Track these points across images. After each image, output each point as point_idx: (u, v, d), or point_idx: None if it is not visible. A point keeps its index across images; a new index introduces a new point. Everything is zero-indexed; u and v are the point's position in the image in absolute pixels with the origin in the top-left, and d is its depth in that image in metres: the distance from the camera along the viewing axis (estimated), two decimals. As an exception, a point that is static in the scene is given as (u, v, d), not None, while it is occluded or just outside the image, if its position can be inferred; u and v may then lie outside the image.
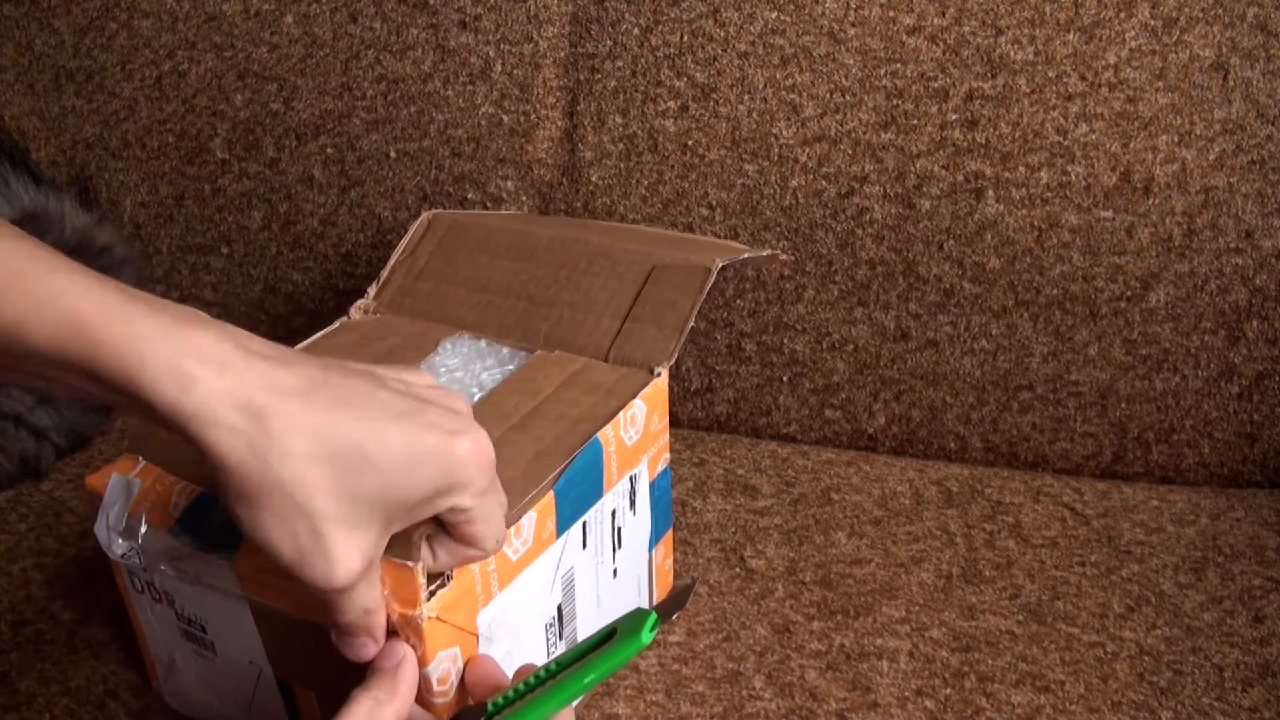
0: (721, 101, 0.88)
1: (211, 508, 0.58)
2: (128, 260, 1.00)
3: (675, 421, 0.96)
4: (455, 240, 0.82)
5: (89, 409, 0.92)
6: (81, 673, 0.71)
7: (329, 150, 0.97)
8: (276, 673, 0.61)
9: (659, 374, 0.69)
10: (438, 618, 0.52)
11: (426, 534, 0.51)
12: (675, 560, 0.79)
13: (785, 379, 0.94)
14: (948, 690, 0.69)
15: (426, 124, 0.95)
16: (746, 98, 0.88)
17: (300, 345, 0.75)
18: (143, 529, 0.59)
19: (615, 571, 0.69)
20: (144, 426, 0.60)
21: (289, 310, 1.03)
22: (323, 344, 0.75)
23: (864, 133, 0.87)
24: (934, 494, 0.88)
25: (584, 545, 0.64)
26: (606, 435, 0.64)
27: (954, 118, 0.85)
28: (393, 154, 0.96)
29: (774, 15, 0.86)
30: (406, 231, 0.83)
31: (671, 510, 0.75)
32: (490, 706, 0.52)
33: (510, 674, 0.56)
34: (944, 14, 0.84)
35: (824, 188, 0.88)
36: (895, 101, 0.86)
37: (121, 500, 0.59)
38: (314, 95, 0.96)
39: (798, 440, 0.96)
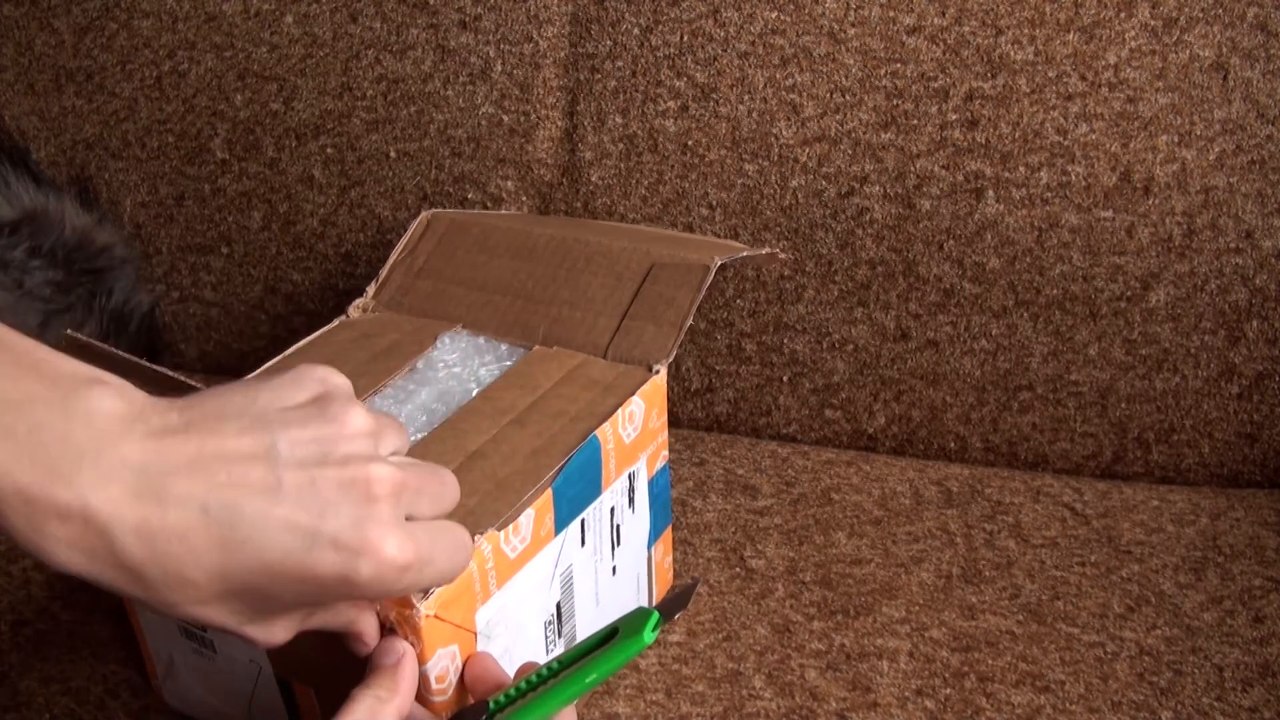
0: (721, 101, 0.88)
1: None
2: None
3: (675, 421, 0.96)
4: (454, 239, 0.82)
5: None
6: (81, 672, 0.71)
7: (329, 150, 0.97)
8: (276, 671, 0.61)
9: (658, 371, 0.69)
10: (436, 615, 0.52)
11: None
12: (675, 560, 0.79)
13: (785, 379, 0.94)
14: (948, 690, 0.69)
15: (426, 124, 0.95)
16: (746, 98, 0.88)
17: (300, 344, 0.75)
18: None
19: (614, 569, 0.69)
20: None
21: (289, 310, 1.03)
22: (321, 342, 0.75)
23: (864, 133, 0.87)
24: (934, 494, 0.87)
25: (583, 543, 0.64)
26: (605, 432, 0.64)
27: (954, 118, 0.85)
28: (393, 154, 0.96)
29: (774, 15, 0.86)
30: (406, 231, 0.83)
31: (670, 508, 0.75)
32: (491, 705, 0.52)
33: (509, 672, 0.56)
34: (944, 14, 0.84)
35: (824, 188, 0.88)
36: (895, 101, 0.86)
37: None
38: (314, 95, 0.96)
39: (798, 440, 0.96)
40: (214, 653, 0.62)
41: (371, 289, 0.80)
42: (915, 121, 0.86)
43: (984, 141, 0.85)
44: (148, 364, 0.56)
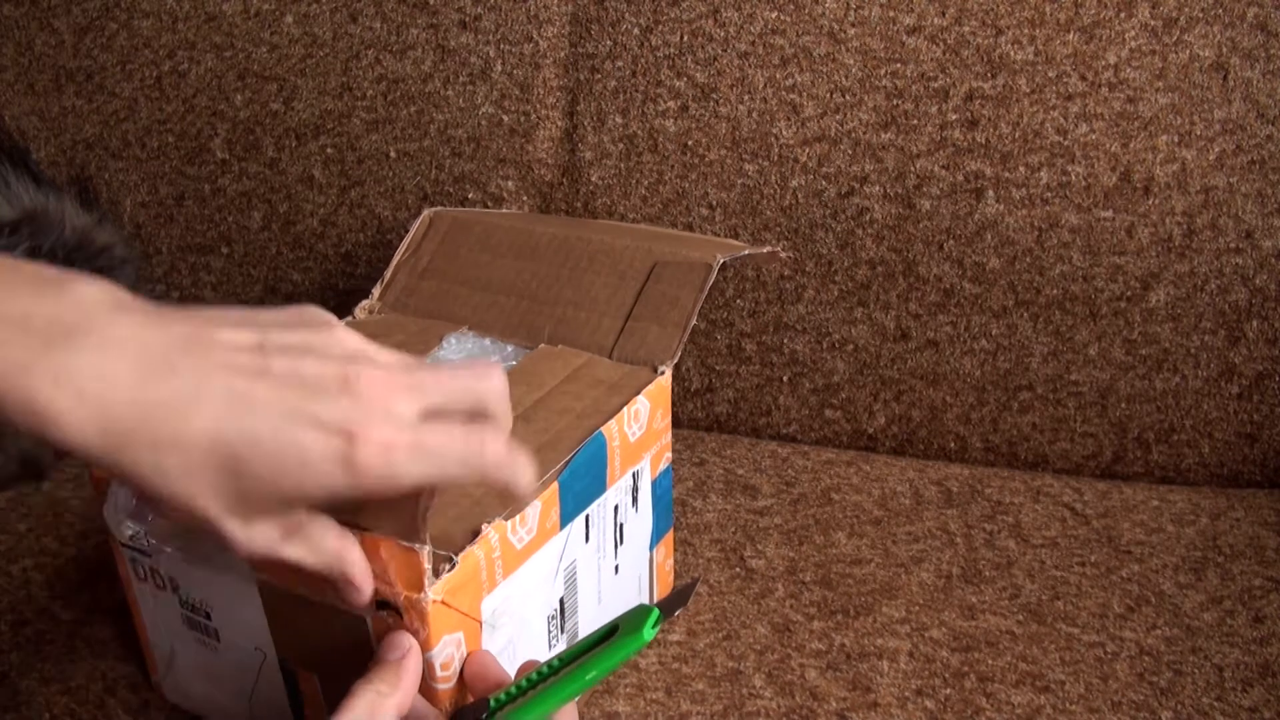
0: (721, 101, 0.88)
1: None
2: (128, 260, 1.00)
3: (675, 421, 0.96)
4: (457, 238, 0.82)
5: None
6: (81, 671, 0.71)
7: (329, 150, 0.97)
8: (281, 658, 0.61)
9: (663, 372, 0.70)
10: (443, 601, 0.53)
11: (427, 508, 0.50)
12: (675, 560, 0.79)
13: (785, 379, 0.94)
14: (948, 690, 0.69)
15: (426, 124, 0.95)
16: (746, 98, 0.88)
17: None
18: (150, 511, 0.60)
19: (617, 568, 0.69)
20: None
21: (289, 310, 1.03)
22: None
23: (864, 133, 0.87)
24: (934, 494, 0.88)
25: (587, 539, 0.64)
26: (610, 430, 0.64)
27: (954, 118, 0.85)
28: (393, 154, 0.96)
29: (774, 15, 0.86)
30: (408, 231, 0.83)
31: (672, 511, 0.75)
32: (492, 703, 0.52)
33: (510, 668, 0.56)
34: (944, 14, 0.84)
35: (824, 188, 0.88)
36: (895, 101, 0.86)
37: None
38: (314, 95, 0.96)
39: (798, 440, 0.96)
40: (217, 641, 0.63)
41: (376, 290, 0.81)
42: (915, 121, 0.86)
43: (984, 141, 0.85)
44: None
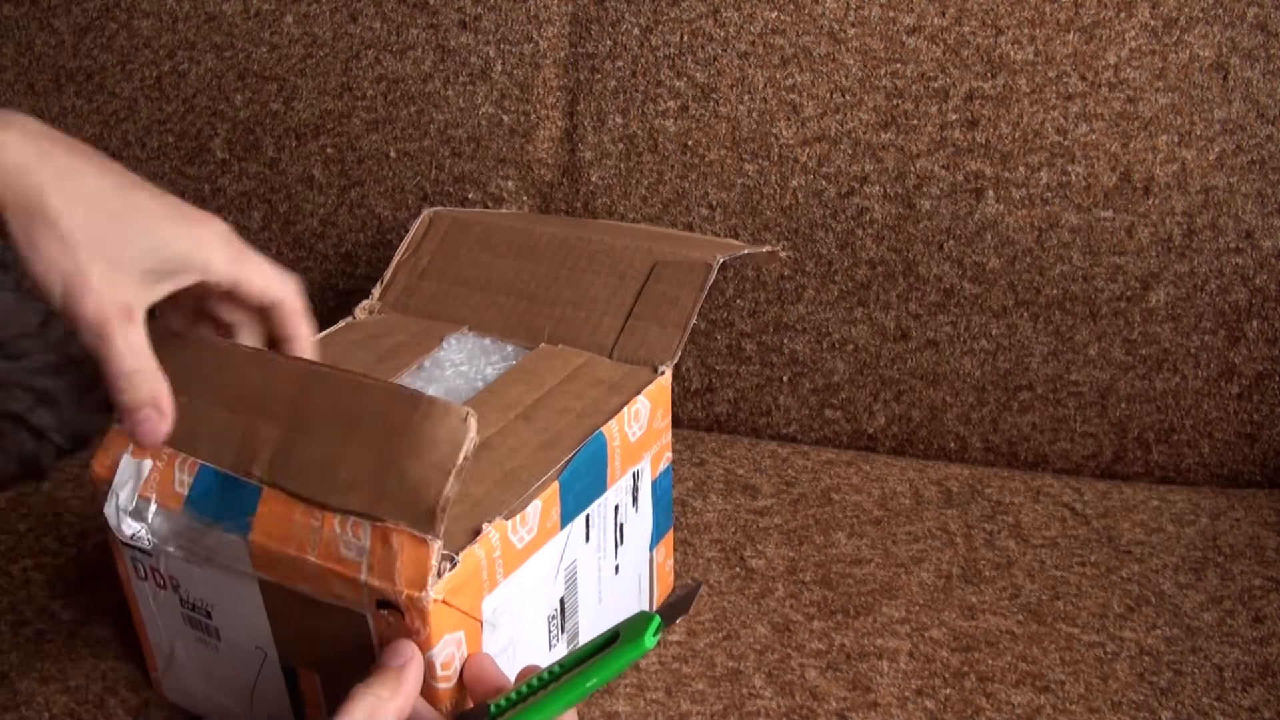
0: (721, 101, 0.88)
1: (217, 484, 0.58)
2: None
3: (675, 421, 0.96)
4: (457, 238, 0.82)
5: (90, 409, 0.92)
6: (81, 671, 0.71)
7: (329, 150, 0.97)
8: (282, 657, 0.61)
9: (663, 372, 0.70)
10: (444, 601, 0.53)
11: (447, 499, 0.51)
12: (675, 560, 0.79)
13: (785, 379, 0.94)
14: (948, 690, 0.69)
15: (426, 124, 0.95)
16: (746, 98, 0.88)
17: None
18: (152, 509, 0.59)
19: (617, 568, 0.69)
20: None
21: (289, 310, 1.03)
22: (327, 342, 0.75)
23: (864, 133, 0.87)
24: (934, 494, 0.88)
25: (587, 539, 0.64)
26: (611, 429, 0.64)
27: (954, 118, 0.85)
28: (393, 154, 0.96)
29: (774, 15, 0.86)
30: (408, 231, 0.83)
31: (672, 511, 0.75)
32: (493, 709, 0.52)
33: (510, 668, 0.56)
34: (944, 14, 0.84)
35: (824, 188, 0.88)
36: (895, 101, 0.86)
37: (132, 482, 0.60)
38: (314, 95, 0.96)
39: (798, 440, 0.96)
40: (218, 640, 0.63)
41: (377, 290, 0.81)
42: (915, 121, 0.86)
43: (984, 141, 0.85)
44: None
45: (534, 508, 0.58)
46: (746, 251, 0.78)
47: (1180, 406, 0.88)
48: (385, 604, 0.53)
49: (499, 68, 0.92)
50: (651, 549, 0.73)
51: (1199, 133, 0.82)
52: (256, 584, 0.58)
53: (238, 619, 0.61)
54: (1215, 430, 0.89)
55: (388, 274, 0.81)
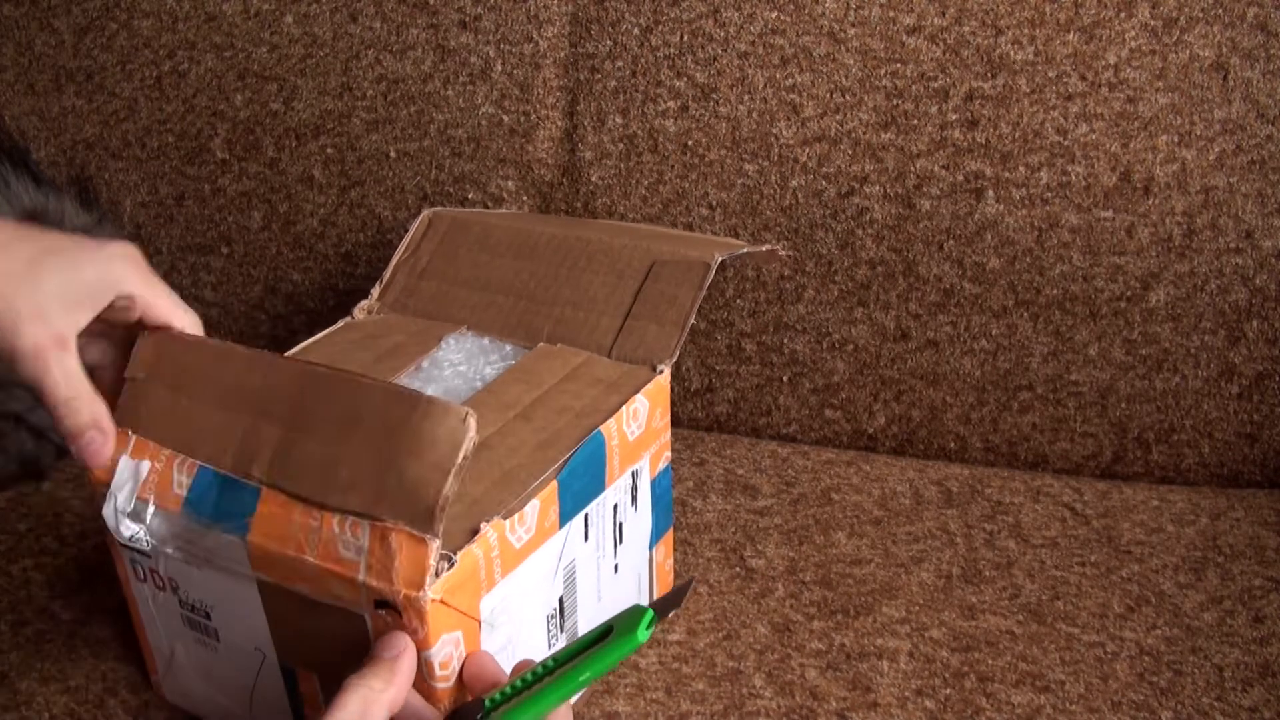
0: (721, 101, 0.88)
1: (215, 485, 0.58)
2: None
3: (675, 421, 0.96)
4: (456, 239, 0.82)
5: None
6: (81, 671, 0.71)
7: (329, 150, 0.97)
8: (281, 658, 0.61)
9: (661, 371, 0.70)
10: (441, 600, 0.53)
11: (446, 499, 0.52)
12: (675, 560, 0.79)
13: (785, 379, 0.94)
14: (948, 690, 0.69)
15: (426, 124, 0.95)
16: (746, 98, 0.88)
17: (304, 344, 0.75)
18: (151, 511, 0.59)
19: (616, 567, 0.69)
20: (132, 399, 0.61)
21: (289, 310, 1.03)
22: (326, 342, 0.75)
23: (864, 133, 0.87)
24: (934, 494, 0.88)
25: (586, 538, 0.64)
26: (609, 429, 0.64)
27: (954, 118, 0.85)
28: (393, 154, 0.96)
29: (774, 15, 0.86)
30: (407, 231, 0.83)
31: (672, 510, 0.75)
32: (488, 703, 0.52)
33: (508, 669, 0.56)
34: (944, 14, 0.84)
35: (824, 188, 0.88)
36: (895, 101, 0.86)
37: (131, 483, 0.60)
38: (314, 95, 0.96)
39: (798, 440, 0.96)
40: (217, 641, 0.63)
41: (376, 291, 0.81)
42: (915, 121, 0.86)
43: (984, 141, 0.85)
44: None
45: (532, 507, 0.58)
46: (745, 250, 0.78)
47: (1180, 406, 0.88)
48: (383, 604, 0.53)
49: (499, 68, 0.92)
50: (651, 548, 0.73)
51: (1199, 133, 0.82)
52: (255, 585, 0.58)
53: (237, 620, 0.61)
54: (1215, 430, 0.89)
55: (386, 274, 0.81)
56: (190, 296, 1.05)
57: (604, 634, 0.53)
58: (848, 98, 0.86)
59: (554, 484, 0.60)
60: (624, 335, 0.72)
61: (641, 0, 0.89)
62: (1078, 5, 0.82)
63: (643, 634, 0.52)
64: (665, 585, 0.77)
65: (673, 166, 0.90)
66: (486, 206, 0.96)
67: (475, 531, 0.55)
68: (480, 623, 0.56)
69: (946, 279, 0.88)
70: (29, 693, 0.70)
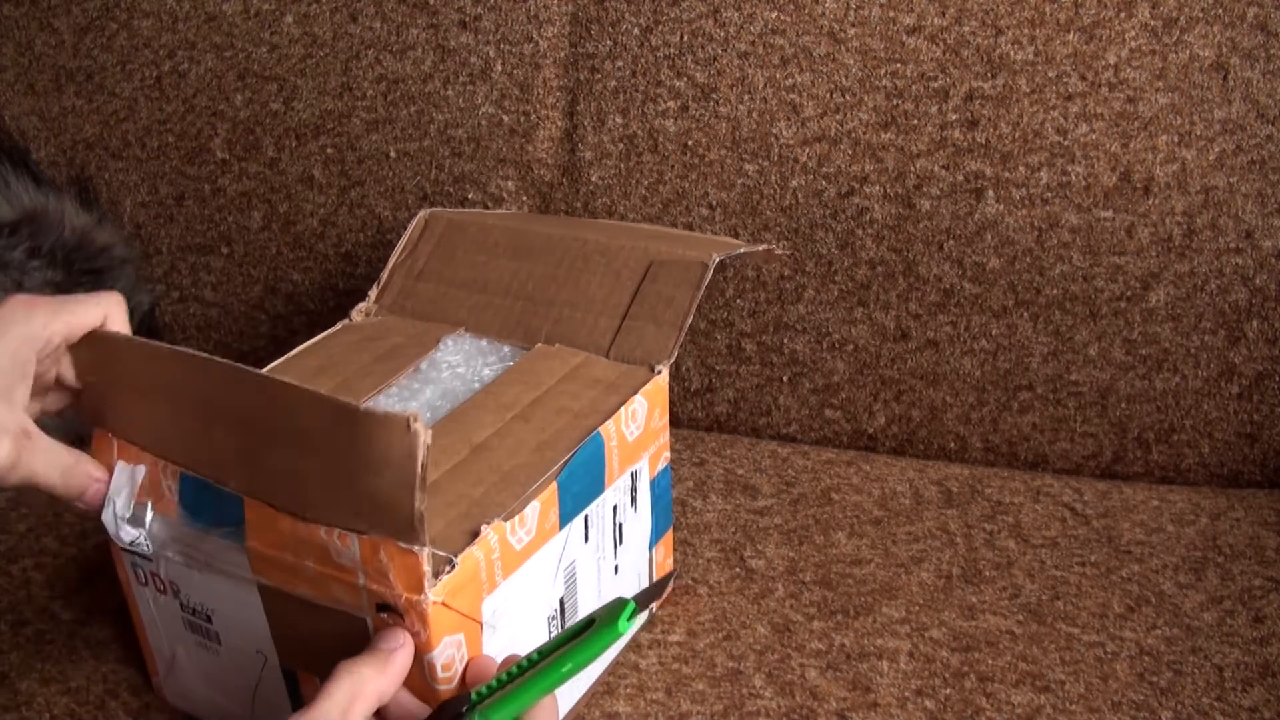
0: (721, 101, 0.88)
1: (202, 491, 0.58)
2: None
3: (675, 421, 0.96)
4: (453, 239, 0.82)
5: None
6: (81, 672, 0.71)
7: (329, 150, 0.97)
8: (282, 661, 0.61)
9: (660, 371, 0.70)
10: (443, 603, 0.53)
11: (421, 511, 0.50)
12: (675, 560, 0.79)
13: (785, 379, 0.94)
14: (948, 690, 0.69)
15: (426, 124, 0.95)
16: (746, 98, 0.88)
17: (302, 346, 0.75)
18: (149, 515, 0.59)
19: (616, 568, 0.69)
20: (94, 401, 0.61)
21: (289, 310, 1.03)
22: (324, 344, 0.75)
23: (864, 133, 0.87)
24: (934, 494, 0.87)
25: (586, 539, 0.64)
26: (608, 430, 0.64)
27: (954, 118, 0.85)
28: (393, 154, 0.96)
29: (774, 15, 0.86)
30: (404, 232, 0.83)
31: (671, 511, 0.75)
32: (474, 696, 0.52)
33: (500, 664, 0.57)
34: (944, 14, 0.84)
35: (824, 188, 0.88)
36: (895, 101, 0.86)
37: (128, 488, 0.60)
38: (314, 95, 0.96)
39: (798, 440, 0.96)
40: (219, 644, 0.63)
41: (373, 293, 0.81)
42: (915, 121, 0.86)
43: (984, 141, 0.85)
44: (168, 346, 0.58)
45: (532, 509, 0.58)
46: (743, 250, 0.78)
47: (1180, 406, 0.88)
48: (385, 607, 0.53)
49: (499, 68, 0.92)
50: (651, 548, 0.73)
51: (1199, 133, 0.82)
52: (256, 589, 0.58)
53: (238, 623, 0.61)
54: (1215, 430, 0.89)
55: (384, 276, 0.81)
56: (190, 296, 1.05)
57: (586, 626, 0.53)
58: (848, 98, 0.86)
59: (554, 486, 0.60)
60: (622, 335, 0.72)
61: (641, 0, 0.88)
62: (1078, 5, 0.82)
63: (624, 625, 0.52)
64: (665, 585, 0.77)
65: (673, 166, 0.90)
66: (486, 206, 0.96)
67: (476, 534, 0.55)
68: (482, 624, 0.56)
69: (946, 279, 0.88)
70: (29, 693, 0.70)
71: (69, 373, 0.60)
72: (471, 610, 0.55)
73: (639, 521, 0.70)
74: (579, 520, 0.63)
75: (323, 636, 0.56)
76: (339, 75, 0.95)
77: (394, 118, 0.95)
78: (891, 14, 0.84)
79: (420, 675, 0.54)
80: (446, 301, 0.78)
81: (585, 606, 0.66)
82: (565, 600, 0.64)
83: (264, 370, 0.72)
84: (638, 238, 0.79)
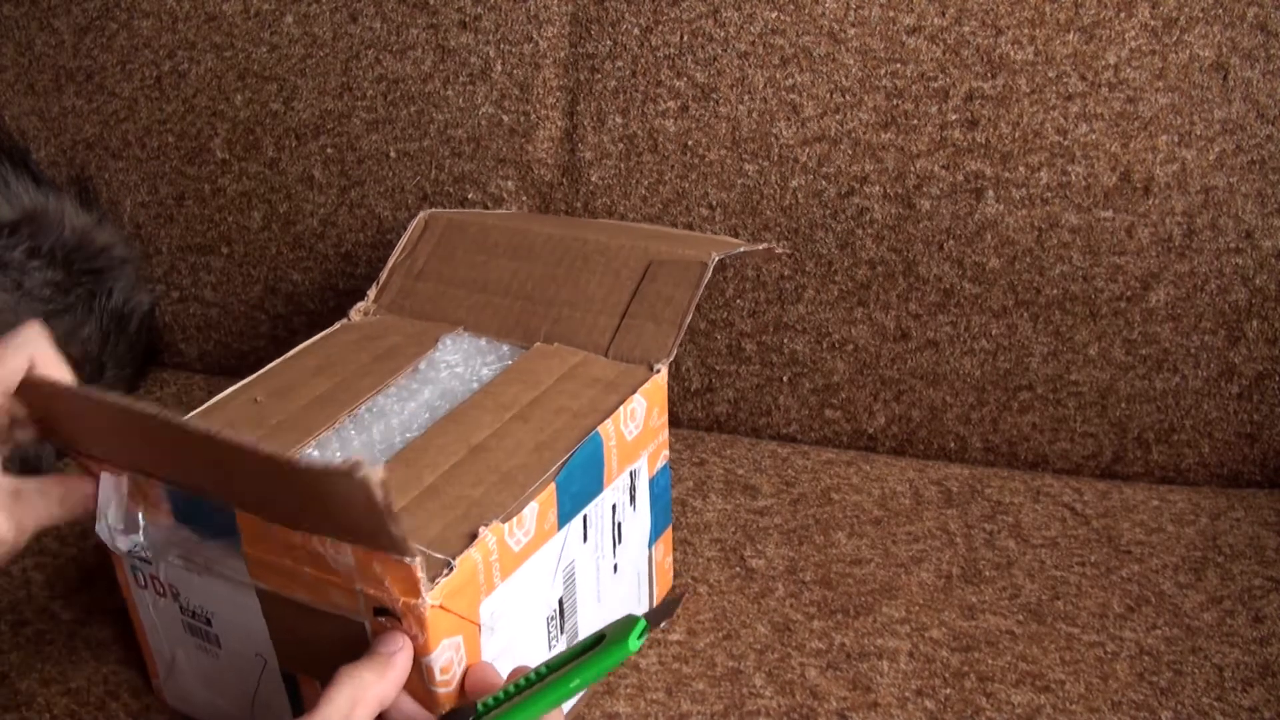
0: (721, 101, 0.88)
1: (192, 498, 0.58)
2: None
3: (675, 421, 0.96)
4: (452, 239, 0.82)
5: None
6: (82, 673, 0.71)
7: (329, 150, 0.97)
8: (282, 664, 0.61)
9: (659, 370, 0.70)
10: (441, 606, 0.53)
11: (396, 527, 0.50)
12: (675, 560, 0.79)
13: (785, 379, 0.94)
14: (948, 690, 0.69)
15: (426, 124, 0.95)
16: (746, 98, 0.88)
17: (301, 346, 0.75)
18: (142, 523, 0.59)
19: (615, 567, 0.69)
20: (55, 433, 0.59)
21: (289, 310, 1.03)
22: (323, 343, 0.75)
23: (864, 133, 0.87)
24: (934, 494, 0.87)
25: (584, 539, 0.64)
26: (607, 429, 0.64)
27: (954, 118, 0.85)
28: (393, 154, 0.96)
29: (774, 15, 0.86)
30: (404, 232, 0.83)
31: (671, 508, 0.75)
32: (480, 707, 0.52)
33: (508, 671, 0.56)
34: (944, 14, 0.84)
35: (824, 188, 0.88)
36: (895, 101, 0.86)
37: (116, 498, 0.60)
38: (314, 95, 0.96)
39: (798, 440, 0.96)
40: (218, 648, 0.63)
41: (372, 292, 0.81)
42: (915, 121, 0.86)
43: (984, 141, 0.85)
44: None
45: (531, 510, 0.58)
46: (742, 249, 0.78)
47: (1180, 406, 0.88)
48: (383, 611, 0.53)
49: (499, 68, 0.92)
50: (650, 547, 0.73)
51: (1199, 133, 0.82)
52: (254, 593, 0.58)
53: (237, 627, 0.61)
54: (1215, 430, 0.89)
55: (383, 275, 0.81)
56: (190, 296, 1.05)
57: (596, 642, 0.53)
58: (848, 98, 0.86)
59: (552, 486, 0.60)
60: (621, 335, 0.72)
61: (641, 0, 0.88)
62: (1078, 5, 0.82)
63: (634, 643, 0.52)
64: (665, 584, 0.77)
65: (673, 166, 0.90)
66: (486, 207, 0.96)
67: (474, 536, 0.55)
68: (480, 626, 0.56)
69: (946, 279, 0.88)
70: (29, 694, 0.70)
71: (21, 410, 0.58)
72: (469, 612, 0.55)
73: (638, 520, 0.70)
74: (577, 520, 0.63)
75: (322, 640, 0.56)
76: (339, 75, 0.95)
77: (394, 118, 0.95)
78: (891, 14, 0.84)
79: (419, 678, 0.54)
80: (446, 301, 0.78)
81: (584, 606, 0.66)
82: (564, 600, 0.64)
83: (263, 370, 0.72)
84: (637, 237, 0.79)
